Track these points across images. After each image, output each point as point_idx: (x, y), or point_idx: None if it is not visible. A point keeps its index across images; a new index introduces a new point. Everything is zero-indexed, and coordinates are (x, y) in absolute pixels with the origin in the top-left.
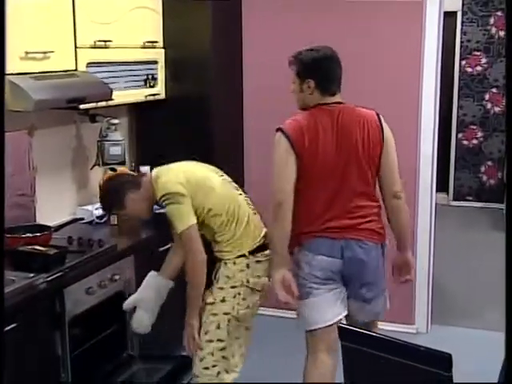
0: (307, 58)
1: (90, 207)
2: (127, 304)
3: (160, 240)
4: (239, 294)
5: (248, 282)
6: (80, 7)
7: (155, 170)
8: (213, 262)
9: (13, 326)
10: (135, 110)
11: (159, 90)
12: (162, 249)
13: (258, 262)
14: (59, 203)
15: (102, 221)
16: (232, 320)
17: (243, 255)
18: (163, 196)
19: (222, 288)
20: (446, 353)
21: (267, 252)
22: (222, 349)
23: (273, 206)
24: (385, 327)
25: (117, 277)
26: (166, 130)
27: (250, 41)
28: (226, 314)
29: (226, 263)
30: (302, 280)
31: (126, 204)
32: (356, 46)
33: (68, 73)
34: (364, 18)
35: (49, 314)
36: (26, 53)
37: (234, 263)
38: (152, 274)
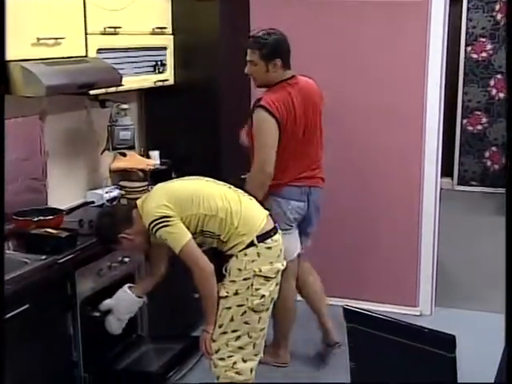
0: (272, 40)
1: (100, 191)
2: (103, 306)
3: None
4: (252, 285)
5: (260, 271)
6: None
7: (139, 201)
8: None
9: (25, 307)
10: (145, 95)
11: (168, 76)
12: None
13: (268, 248)
14: (70, 187)
15: (112, 204)
16: (248, 311)
17: (253, 244)
18: (150, 225)
19: (234, 281)
20: (449, 334)
21: (276, 237)
22: (237, 339)
23: (262, 176)
24: (389, 309)
25: (126, 259)
26: (175, 115)
27: (257, 27)
28: (239, 305)
29: (237, 256)
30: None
31: (121, 242)
32: (361, 32)
33: (79, 59)
34: (370, 5)
35: (60, 295)
36: (38, 39)
37: (245, 254)
38: (125, 288)
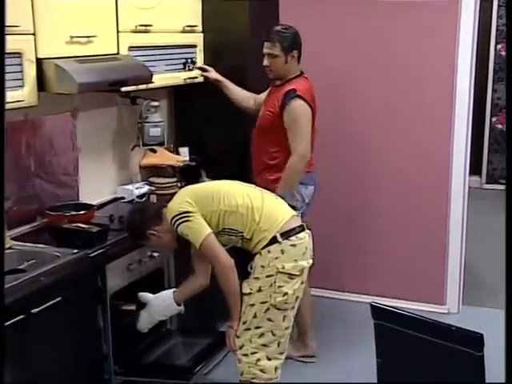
0: (291, 33)
1: (130, 187)
2: (141, 296)
3: None
4: (275, 282)
5: (283, 267)
6: None
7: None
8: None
9: (57, 299)
10: (174, 92)
11: (198, 74)
12: None
13: (292, 245)
14: (101, 182)
15: (142, 200)
16: (271, 308)
17: (276, 241)
18: (172, 220)
19: (257, 278)
20: (477, 333)
21: (302, 235)
22: (261, 336)
23: (303, 163)
24: (416, 307)
25: (156, 254)
26: (204, 112)
27: None
28: (262, 302)
29: (261, 253)
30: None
31: (149, 238)
32: (390, 31)
33: (110, 56)
34: (399, 12)
35: (91, 288)
36: (71, 37)
37: (269, 251)
38: (170, 292)
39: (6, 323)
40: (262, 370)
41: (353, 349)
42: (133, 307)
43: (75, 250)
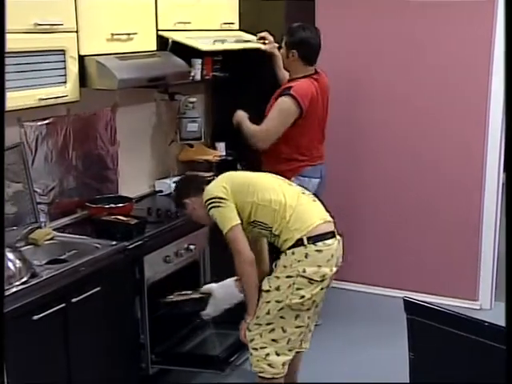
0: (299, 34)
1: (167, 180)
2: (204, 289)
3: None
4: (294, 283)
5: (304, 271)
6: None
7: None
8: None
9: (97, 289)
10: (212, 88)
11: (258, 43)
12: None
13: (318, 251)
14: (140, 176)
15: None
16: (285, 308)
17: (302, 244)
18: (206, 201)
19: (278, 277)
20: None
21: (330, 241)
22: (271, 331)
23: (263, 136)
24: (449, 302)
25: (192, 247)
26: (241, 107)
27: (322, 28)
28: (278, 301)
29: (285, 253)
30: None
31: (186, 207)
32: (425, 30)
33: (150, 53)
34: (433, 12)
35: (129, 279)
36: (112, 34)
37: (293, 253)
38: (231, 281)
39: (48, 311)
40: (269, 365)
41: (385, 343)
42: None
43: (114, 242)
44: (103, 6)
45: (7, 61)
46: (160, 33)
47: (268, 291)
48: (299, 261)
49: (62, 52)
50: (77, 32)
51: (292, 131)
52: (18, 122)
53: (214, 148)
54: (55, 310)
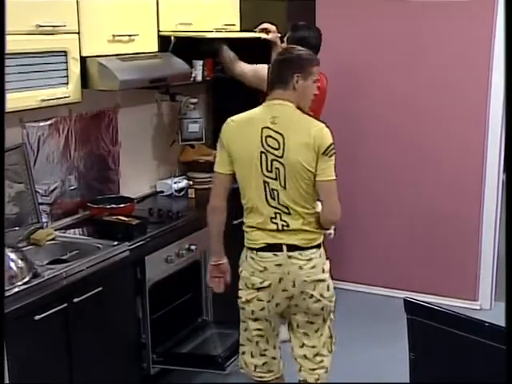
0: (300, 31)
1: (169, 181)
2: None
3: (234, 213)
4: (239, 281)
5: (241, 272)
6: None
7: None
8: None
9: (98, 289)
10: (213, 89)
11: (261, 34)
12: (235, 222)
13: (252, 258)
14: (141, 177)
15: (181, 194)
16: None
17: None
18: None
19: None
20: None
21: (265, 254)
22: (245, 330)
23: None
24: (449, 302)
25: (193, 247)
26: (242, 107)
27: (323, 28)
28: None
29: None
30: None
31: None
32: (427, 34)
33: (151, 54)
34: (435, 10)
35: (131, 279)
36: (113, 36)
37: (243, 246)
38: None
39: (49, 311)
40: (245, 363)
41: (385, 343)
42: None
43: (115, 242)
44: (105, 7)
45: (9, 62)
46: (161, 33)
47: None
48: (241, 260)
49: (64, 53)
50: (79, 33)
51: None
52: (20, 122)
53: (215, 149)
54: (57, 310)
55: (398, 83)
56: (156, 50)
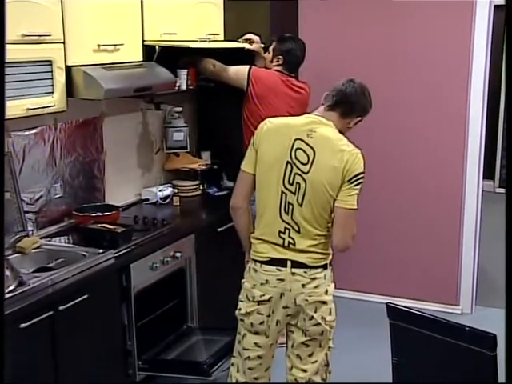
0: (287, 43)
1: (154, 189)
2: None
3: (219, 221)
4: (241, 292)
5: (243, 283)
6: (147, 3)
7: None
8: None
9: (84, 297)
10: (197, 98)
11: (244, 45)
12: (220, 229)
13: (254, 270)
14: (126, 185)
15: (166, 202)
16: (240, 318)
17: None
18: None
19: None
20: (490, 333)
21: (268, 267)
22: (239, 342)
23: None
24: (430, 307)
25: (178, 254)
26: (226, 117)
27: (305, 36)
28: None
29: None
30: None
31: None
32: (407, 40)
33: (136, 64)
34: (415, 13)
35: (116, 287)
36: (99, 45)
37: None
38: None
39: (35, 319)
40: (230, 375)
41: (368, 348)
42: None
43: (101, 250)
44: (90, 17)
45: None
46: (146, 43)
47: None
48: (246, 271)
49: (50, 62)
50: (64, 43)
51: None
52: (5, 131)
53: (200, 157)
54: (43, 317)
55: (376, 85)
56: (141, 59)
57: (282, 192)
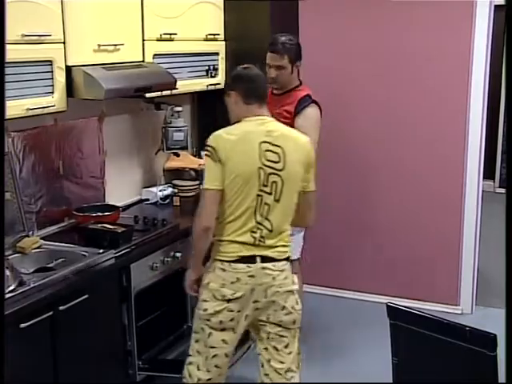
0: (296, 44)
1: (154, 189)
2: None
3: None
4: (202, 293)
5: (208, 284)
6: (147, 3)
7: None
8: None
9: (84, 297)
10: (197, 98)
11: (220, 80)
12: None
13: (222, 269)
14: (126, 185)
15: (166, 202)
16: (200, 318)
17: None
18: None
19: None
20: (491, 333)
21: (240, 265)
22: (197, 341)
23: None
24: (430, 307)
25: (178, 254)
26: (226, 117)
27: (306, 37)
28: (197, 308)
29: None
30: None
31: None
32: (407, 41)
33: (136, 64)
34: (415, 13)
35: (116, 287)
36: (99, 45)
37: (210, 258)
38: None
39: (35, 319)
40: (189, 374)
41: (368, 348)
42: None
43: (101, 250)
44: (90, 17)
45: None
46: (146, 43)
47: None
48: (209, 271)
49: (50, 63)
50: (64, 43)
51: None
52: (5, 131)
53: (200, 157)
54: (43, 318)
55: (379, 87)
56: (141, 59)
57: (258, 195)
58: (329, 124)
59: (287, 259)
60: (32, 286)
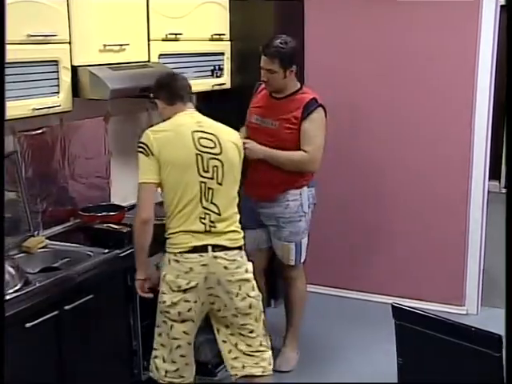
0: (290, 49)
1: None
2: None
3: None
4: (161, 286)
5: (165, 276)
6: (153, 3)
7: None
8: None
9: (89, 297)
10: (203, 98)
11: (225, 80)
12: None
13: (176, 261)
14: (131, 185)
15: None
16: (162, 312)
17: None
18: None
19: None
20: (496, 334)
21: (192, 255)
22: (159, 335)
23: (311, 166)
24: (436, 308)
25: None
26: (230, 117)
27: (311, 37)
28: (158, 302)
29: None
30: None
31: (154, 102)
32: (412, 41)
33: (141, 64)
34: (420, 13)
35: (122, 287)
36: (104, 45)
37: (164, 253)
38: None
39: (41, 319)
40: (156, 368)
41: (373, 349)
42: None
43: (106, 250)
44: (96, 17)
45: None
46: (151, 43)
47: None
48: (164, 264)
49: (55, 63)
50: (70, 43)
51: None
52: (11, 131)
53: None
54: (48, 317)
55: (385, 88)
56: (146, 59)
57: (201, 182)
58: (332, 123)
59: (240, 248)
60: (37, 285)
